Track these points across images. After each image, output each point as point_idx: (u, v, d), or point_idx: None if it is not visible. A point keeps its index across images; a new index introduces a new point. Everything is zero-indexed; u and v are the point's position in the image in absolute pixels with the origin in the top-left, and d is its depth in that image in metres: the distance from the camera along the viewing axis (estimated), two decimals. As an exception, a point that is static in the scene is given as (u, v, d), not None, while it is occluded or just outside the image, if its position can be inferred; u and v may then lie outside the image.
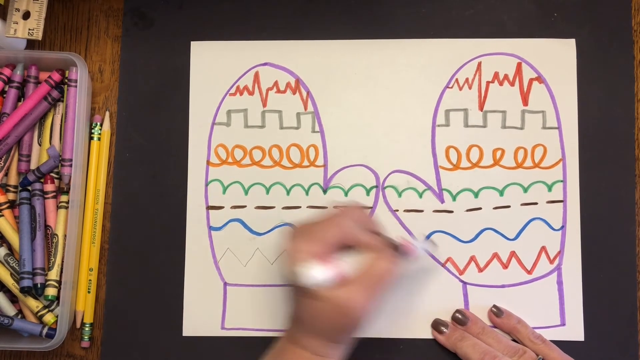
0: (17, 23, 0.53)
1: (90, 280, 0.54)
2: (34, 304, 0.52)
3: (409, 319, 0.53)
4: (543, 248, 0.54)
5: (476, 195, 0.54)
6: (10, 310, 0.53)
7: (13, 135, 0.53)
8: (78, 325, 0.54)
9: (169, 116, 0.56)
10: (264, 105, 0.56)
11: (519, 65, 0.55)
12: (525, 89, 0.55)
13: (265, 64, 0.56)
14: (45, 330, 0.52)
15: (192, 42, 0.57)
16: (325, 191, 0.55)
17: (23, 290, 0.51)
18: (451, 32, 0.56)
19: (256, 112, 0.56)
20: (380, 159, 0.55)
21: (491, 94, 0.55)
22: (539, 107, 0.55)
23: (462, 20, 0.56)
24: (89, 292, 0.54)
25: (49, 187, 0.53)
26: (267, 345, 0.53)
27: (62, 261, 0.52)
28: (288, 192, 0.55)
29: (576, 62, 0.55)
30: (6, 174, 0.54)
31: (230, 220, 0.55)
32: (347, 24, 0.56)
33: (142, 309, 0.54)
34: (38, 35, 0.53)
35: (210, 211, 0.55)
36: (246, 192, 0.55)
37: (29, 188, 0.53)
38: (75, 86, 0.54)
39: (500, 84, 0.55)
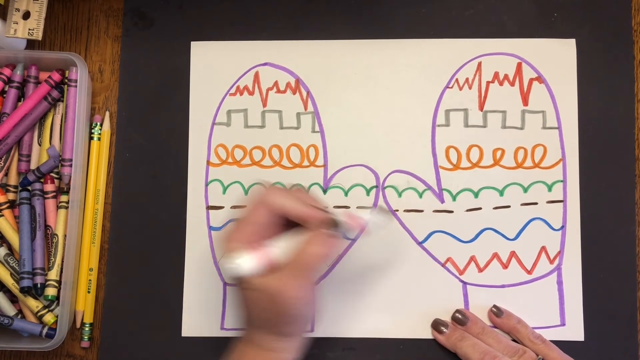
0: (17, 23, 0.53)
1: (90, 280, 0.54)
2: (34, 304, 0.52)
3: (409, 319, 0.53)
4: (543, 248, 0.54)
5: (476, 195, 0.54)
6: (10, 310, 0.53)
7: (13, 135, 0.53)
8: (78, 325, 0.54)
9: (169, 116, 0.56)
10: (264, 105, 0.56)
11: (519, 65, 0.55)
12: (525, 89, 0.55)
13: (265, 64, 0.56)
14: (45, 330, 0.52)
15: (192, 42, 0.57)
16: (325, 191, 0.55)
17: (23, 290, 0.51)
18: (451, 32, 0.56)
19: (256, 112, 0.56)
20: (380, 159, 0.55)
21: (491, 94, 0.55)
22: (539, 107, 0.55)
23: (462, 20, 0.56)
24: (89, 292, 0.54)
25: (49, 187, 0.54)
26: (267, 345, 0.53)
27: (62, 261, 0.52)
28: (288, 192, 0.55)
29: (576, 62, 0.55)
30: (6, 174, 0.54)
31: (230, 220, 0.55)
32: (347, 24, 0.56)
33: (142, 309, 0.54)
34: (38, 35, 0.53)
35: (210, 211, 0.55)
36: (246, 192, 0.55)
37: (29, 188, 0.53)
38: (75, 86, 0.54)
39: (501, 84, 0.55)
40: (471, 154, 0.55)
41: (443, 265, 0.54)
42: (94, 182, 0.55)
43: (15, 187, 0.55)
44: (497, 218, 0.54)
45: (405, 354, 0.53)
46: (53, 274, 0.52)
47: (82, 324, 0.54)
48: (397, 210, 0.55)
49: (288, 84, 0.56)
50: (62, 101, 0.55)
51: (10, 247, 0.53)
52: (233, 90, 0.56)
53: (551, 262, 0.54)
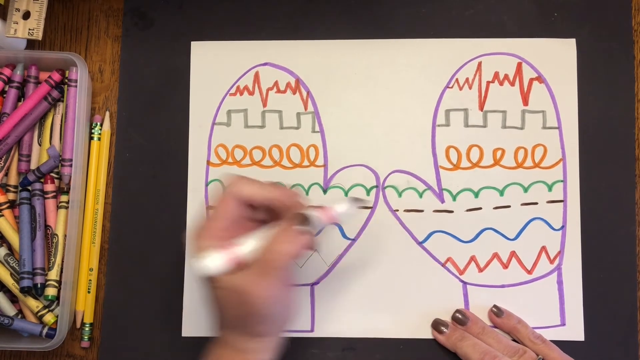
0: (17, 23, 0.53)
1: (90, 280, 0.54)
2: (34, 304, 0.52)
3: (409, 319, 0.53)
4: (543, 248, 0.54)
5: (476, 195, 0.54)
6: (10, 310, 0.53)
7: (13, 135, 0.53)
8: (78, 325, 0.54)
9: (169, 116, 0.56)
10: (264, 105, 0.56)
11: (519, 65, 0.55)
12: (525, 89, 0.55)
13: (265, 64, 0.56)
14: (45, 330, 0.52)
15: (192, 42, 0.57)
16: (325, 191, 0.55)
17: (23, 290, 0.51)
18: (451, 32, 0.56)
19: (256, 112, 0.56)
20: (380, 158, 0.55)
21: (491, 94, 0.55)
22: (539, 107, 0.55)
23: (462, 20, 0.56)
24: (89, 292, 0.54)
25: (49, 187, 0.54)
26: (267, 345, 0.53)
27: (62, 261, 0.52)
28: (288, 192, 0.55)
29: (576, 62, 0.55)
30: (6, 174, 0.54)
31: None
32: (347, 24, 0.56)
33: (142, 309, 0.54)
34: (38, 35, 0.53)
35: (211, 211, 0.55)
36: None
37: (29, 188, 0.53)
38: (75, 86, 0.54)
39: (501, 83, 0.55)
40: (471, 154, 0.55)
41: (443, 265, 0.54)
42: (94, 182, 0.55)
43: (15, 187, 0.55)
44: (497, 218, 0.54)
45: (405, 354, 0.53)
46: (53, 274, 0.52)
47: (82, 324, 0.54)
48: (397, 210, 0.55)
49: (288, 84, 0.56)
50: (62, 101, 0.55)
51: (10, 247, 0.53)
52: (233, 90, 0.56)
53: (551, 262, 0.54)
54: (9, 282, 0.52)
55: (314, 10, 0.57)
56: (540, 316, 0.53)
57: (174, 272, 0.54)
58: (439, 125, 0.55)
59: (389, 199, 0.55)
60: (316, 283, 0.54)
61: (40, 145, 0.55)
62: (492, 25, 0.56)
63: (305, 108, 0.56)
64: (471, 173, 0.55)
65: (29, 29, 0.53)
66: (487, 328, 0.52)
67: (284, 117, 0.56)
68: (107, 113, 0.56)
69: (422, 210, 0.55)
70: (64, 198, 0.54)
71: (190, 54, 0.56)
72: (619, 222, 0.54)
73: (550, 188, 0.54)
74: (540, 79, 0.55)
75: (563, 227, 0.54)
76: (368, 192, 0.55)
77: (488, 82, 0.55)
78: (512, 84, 0.55)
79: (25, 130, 0.54)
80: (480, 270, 0.54)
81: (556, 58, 0.55)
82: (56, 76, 0.54)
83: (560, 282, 0.53)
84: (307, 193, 0.55)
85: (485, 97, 0.55)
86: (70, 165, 0.53)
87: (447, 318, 0.53)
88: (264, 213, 0.47)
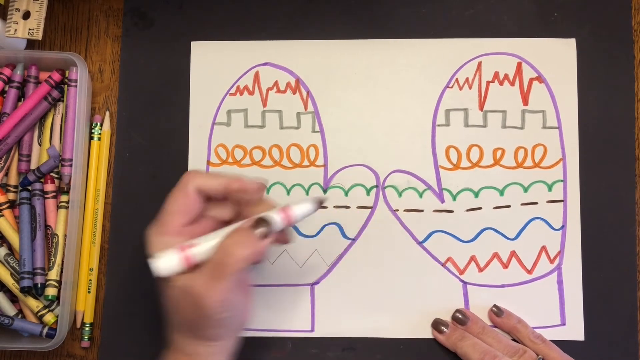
0: (17, 23, 0.53)
1: (90, 280, 0.54)
2: (34, 304, 0.52)
3: (409, 319, 0.53)
4: (543, 248, 0.54)
5: (476, 195, 0.54)
6: (11, 310, 0.53)
7: (13, 135, 0.53)
8: (78, 325, 0.54)
9: (169, 116, 0.56)
10: (264, 105, 0.56)
11: (519, 65, 0.56)
12: (525, 89, 0.55)
13: (265, 64, 0.56)
14: (45, 330, 0.52)
15: (192, 42, 0.57)
16: (325, 191, 0.55)
17: (23, 290, 0.51)
18: (451, 32, 0.56)
19: (256, 112, 0.56)
20: (380, 158, 0.55)
21: (491, 94, 0.55)
22: (539, 107, 0.55)
23: (462, 20, 0.56)
24: (89, 292, 0.54)
25: (49, 187, 0.54)
26: (267, 345, 0.54)
27: (62, 261, 0.52)
28: (288, 192, 0.55)
29: (576, 62, 0.55)
30: (6, 174, 0.54)
31: None
32: (347, 24, 0.56)
33: (142, 309, 0.54)
34: (38, 35, 0.53)
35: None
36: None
37: (29, 188, 0.53)
38: (75, 86, 0.54)
39: (501, 83, 0.55)
40: (471, 154, 0.55)
41: (443, 265, 0.54)
42: (94, 182, 0.55)
43: (15, 187, 0.55)
44: (497, 218, 0.54)
45: (405, 354, 0.53)
46: (53, 274, 0.52)
47: (82, 324, 0.54)
48: (397, 210, 0.55)
49: (288, 84, 0.56)
50: (62, 101, 0.55)
51: (10, 247, 0.53)
52: (233, 90, 0.56)
53: (551, 261, 0.54)
54: (9, 282, 0.52)
55: (314, 10, 0.57)
56: (540, 316, 0.53)
57: (174, 272, 0.54)
58: (439, 125, 0.55)
59: (389, 199, 0.55)
60: (316, 283, 0.54)
61: (40, 145, 0.55)
62: (492, 25, 0.56)
63: (305, 108, 0.56)
64: (471, 173, 0.55)
65: (29, 29, 0.53)
66: (487, 328, 0.52)
67: (284, 117, 0.56)
68: (107, 113, 0.56)
69: (422, 210, 0.55)
70: (64, 198, 0.54)
71: (190, 54, 0.56)
72: (619, 222, 0.54)
73: (550, 188, 0.54)
74: (540, 78, 0.55)
75: (563, 227, 0.54)
76: (368, 192, 0.55)
77: (488, 82, 0.55)
78: (512, 83, 0.55)
79: (25, 130, 0.54)
80: (480, 270, 0.54)
81: (556, 58, 0.55)
82: (56, 76, 0.54)
83: (560, 282, 0.53)
84: (307, 193, 0.55)
85: (485, 97, 0.55)
86: (70, 165, 0.53)
87: (447, 318, 0.53)
88: (228, 211, 0.46)
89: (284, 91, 0.56)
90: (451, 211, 0.54)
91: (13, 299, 0.54)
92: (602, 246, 0.54)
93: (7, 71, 0.54)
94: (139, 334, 0.54)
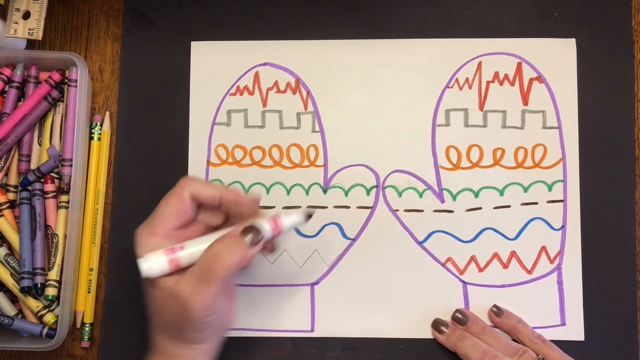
0: (17, 23, 0.53)
1: (90, 280, 0.54)
2: (34, 304, 0.52)
3: (409, 319, 0.53)
4: (543, 248, 0.54)
5: (476, 195, 0.54)
6: (10, 310, 0.53)
7: (13, 135, 0.53)
8: (78, 325, 0.54)
9: (169, 116, 0.56)
10: (264, 105, 0.56)
11: (519, 65, 0.55)
12: (525, 89, 0.55)
13: (265, 64, 0.56)
14: (45, 330, 0.52)
15: (192, 42, 0.57)
16: (325, 191, 0.55)
17: (23, 290, 0.51)
18: (451, 32, 0.56)
19: (256, 112, 0.56)
20: (380, 158, 0.55)
21: (491, 94, 0.55)
22: (539, 107, 0.55)
23: (462, 20, 0.56)
24: (89, 292, 0.54)
25: (49, 187, 0.54)
26: (267, 345, 0.54)
27: (62, 261, 0.52)
28: (288, 192, 0.55)
29: (576, 62, 0.55)
30: (6, 174, 0.54)
31: None
32: (347, 24, 0.56)
33: (142, 309, 0.54)
34: (38, 35, 0.53)
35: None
36: (246, 192, 0.55)
37: (29, 188, 0.53)
38: (75, 86, 0.54)
39: (501, 83, 0.55)
40: (471, 154, 0.55)
41: (443, 265, 0.54)
42: (94, 182, 0.55)
43: (15, 187, 0.55)
44: (497, 218, 0.54)
45: (405, 354, 0.53)
46: (53, 274, 0.52)
47: (82, 324, 0.54)
48: (397, 210, 0.55)
49: (288, 84, 0.56)
50: (62, 101, 0.55)
51: (10, 247, 0.53)
52: (233, 90, 0.56)
53: (551, 262, 0.54)
54: (9, 282, 0.52)
55: (314, 10, 0.57)
56: (540, 316, 0.53)
57: (174, 272, 0.54)
58: (439, 125, 0.55)
59: (389, 199, 0.55)
60: (316, 283, 0.54)
61: (40, 145, 0.55)
62: (492, 25, 0.56)
63: (305, 108, 0.56)
64: (471, 173, 0.55)
65: (29, 29, 0.53)
66: (487, 328, 0.52)
67: (284, 117, 0.56)
68: (107, 113, 0.56)
69: (422, 210, 0.55)
70: (64, 198, 0.54)
71: (190, 54, 0.56)
72: (619, 222, 0.54)
73: (550, 188, 0.54)
74: (540, 78, 0.55)
75: (563, 227, 0.54)
76: (368, 192, 0.55)
77: (488, 82, 0.55)
78: (512, 84, 0.55)
79: (25, 130, 0.54)
80: (480, 270, 0.54)
81: (556, 58, 0.55)
82: (56, 76, 0.54)
83: (560, 282, 0.53)
84: (307, 193, 0.55)
85: (485, 97, 0.55)
86: (70, 165, 0.53)
87: (447, 318, 0.53)
88: (218, 218, 0.47)
89: (284, 91, 0.56)
90: (451, 211, 0.54)
91: (13, 299, 0.54)
92: (602, 246, 0.54)
93: (7, 71, 0.54)
94: (139, 334, 0.54)
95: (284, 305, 0.54)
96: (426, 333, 0.53)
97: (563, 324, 0.53)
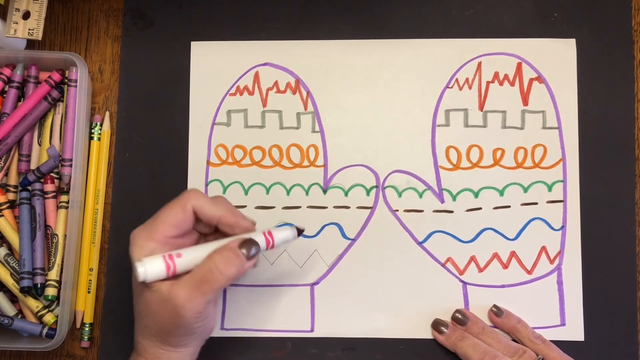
0: (17, 23, 0.53)
1: (90, 280, 0.54)
2: (34, 304, 0.52)
3: (409, 319, 0.53)
4: (543, 248, 0.54)
5: (476, 195, 0.54)
6: (10, 310, 0.53)
7: (13, 135, 0.53)
8: (78, 325, 0.54)
9: (169, 116, 0.56)
10: (264, 105, 0.56)
11: (519, 65, 0.55)
12: (525, 89, 0.55)
13: (265, 64, 0.56)
14: (45, 330, 0.52)
15: (192, 42, 0.57)
16: (325, 191, 0.55)
17: (23, 290, 0.51)
18: (451, 32, 0.56)
19: (256, 112, 0.56)
20: (380, 159, 0.55)
21: (491, 94, 0.55)
22: (539, 107, 0.55)
23: (462, 20, 0.56)
24: (89, 292, 0.54)
25: (49, 187, 0.53)
26: (267, 345, 0.54)
27: (62, 261, 0.52)
28: (288, 192, 0.55)
29: (576, 62, 0.55)
30: (6, 174, 0.54)
31: None
32: (347, 24, 0.56)
33: (142, 309, 0.54)
34: (38, 35, 0.53)
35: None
36: (246, 192, 0.55)
37: (29, 188, 0.53)
38: (75, 86, 0.54)
39: (500, 84, 0.55)
40: (471, 154, 0.55)
41: (443, 265, 0.54)
42: (94, 182, 0.55)
43: (15, 187, 0.55)
44: (497, 218, 0.54)
45: (405, 354, 0.53)
46: (53, 274, 0.52)
47: (82, 324, 0.54)
48: (397, 210, 0.55)
49: (288, 84, 0.56)
50: (62, 101, 0.55)
51: (10, 247, 0.53)
52: (233, 90, 0.56)
53: (551, 262, 0.54)
54: (9, 282, 0.52)
55: (314, 10, 0.57)
56: (540, 316, 0.53)
57: (174, 272, 0.54)
58: (439, 125, 0.55)
59: (389, 199, 0.55)
60: (316, 283, 0.54)
61: (40, 145, 0.55)
62: (492, 25, 0.56)
63: (305, 108, 0.56)
64: (471, 173, 0.55)
65: (29, 29, 0.53)
66: (487, 328, 0.52)
67: (284, 117, 0.56)
68: (107, 113, 0.56)
69: (422, 210, 0.55)
70: (64, 198, 0.54)
71: (190, 54, 0.56)
72: (619, 222, 0.54)
73: (550, 188, 0.54)
74: (540, 79, 0.55)
75: (563, 227, 0.54)
76: (368, 192, 0.55)
77: (488, 82, 0.55)
78: (512, 84, 0.55)
79: (25, 130, 0.54)
80: (480, 270, 0.54)
81: (556, 58, 0.55)
82: (56, 76, 0.54)
83: (560, 282, 0.53)
84: (307, 193, 0.55)
85: (485, 97, 0.55)
86: (70, 165, 0.53)
87: (447, 318, 0.53)
88: (209, 228, 0.48)
89: (284, 91, 0.56)
90: (451, 211, 0.54)
91: (13, 299, 0.54)
92: (602, 246, 0.54)
93: (7, 71, 0.54)
94: (138, 334, 0.54)
95: (284, 305, 0.54)
96: (426, 333, 0.53)
97: (563, 324, 0.53)
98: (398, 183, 0.55)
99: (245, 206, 0.55)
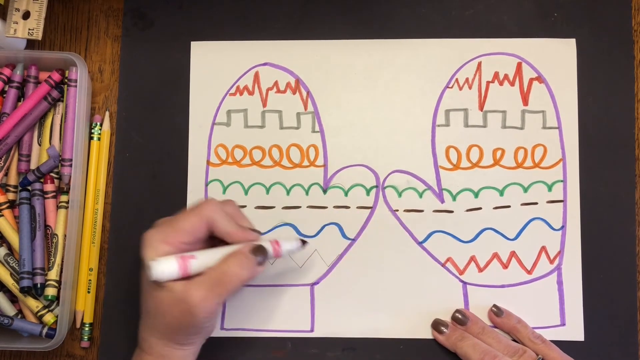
0: (17, 23, 0.53)
1: (90, 280, 0.54)
2: (33, 304, 0.52)
3: (409, 319, 0.53)
4: (543, 248, 0.54)
5: (476, 195, 0.54)
6: (10, 310, 0.53)
7: (13, 135, 0.53)
8: (78, 325, 0.54)
9: (169, 116, 0.56)
10: (264, 105, 0.56)
11: (519, 65, 0.55)
12: (525, 89, 0.55)
13: (265, 64, 0.56)
14: (45, 330, 0.52)
15: (192, 42, 0.57)
16: (325, 191, 0.55)
17: (23, 290, 0.51)
18: (451, 32, 0.56)
19: (256, 112, 0.56)
20: (380, 159, 0.55)
21: (491, 94, 0.55)
22: (539, 107, 0.55)
23: (462, 20, 0.56)
24: (88, 292, 0.54)
25: (49, 187, 0.53)
26: (267, 345, 0.54)
27: (62, 261, 0.52)
28: (288, 192, 0.55)
29: (576, 62, 0.55)
30: (6, 174, 0.54)
31: None
32: (347, 24, 0.56)
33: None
34: (38, 35, 0.53)
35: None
36: (246, 192, 0.55)
37: (29, 188, 0.53)
38: (75, 86, 0.54)
39: (500, 83, 0.55)
40: (471, 154, 0.55)
41: (443, 265, 0.54)
42: (94, 182, 0.55)
43: (15, 187, 0.54)
44: (497, 218, 0.54)
45: (405, 354, 0.53)
46: (53, 274, 0.52)
47: (82, 324, 0.54)
48: (397, 210, 0.55)
49: (288, 84, 0.56)
50: (62, 101, 0.55)
51: (10, 247, 0.53)
52: (233, 90, 0.56)
53: (551, 262, 0.54)
54: (9, 282, 0.52)
55: (314, 10, 0.57)
56: (540, 316, 0.53)
57: (173, 272, 0.54)
58: (438, 125, 0.55)
59: (389, 199, 0.55)
60: (316, 283, 0.54)
61: (40, 145, 0.55)
62: (492, 25, 0.56)
63: (305, 108, 0.56)
64: (471, 173, 0.55)
65: (29, 29, 0.53)
66: (487, 328, 0.52)
67: (283, 117, 0.56)
68: (107, 113, 0.56)
69: (422, 210, 0.55)
70: (63, 198, 0.54)
71: (190, 54, 0.56)
72: (619, 222, 0.54)
73: (550, 188, 0.54)
74: (540, 79, 0.55)
75: (563, 227, 0.54)
76: (368, 192, 0.55)
77: (488, 82, 0.55)
78: (512, 84, 0.55)
79: (25, 130, 0.54)
80: (480, 270, 0.54)
81: (556, 58, 0.55)
82: (56, 76, 0.54)
83: (560, 282, 0.53)
84: (307, 193, 0.55)
85: (485, 97, 0.55)
86: (70, 165, 0.53)
87: (447, 318, 0.53)
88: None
89: (284, 91, 0.56)
90: (451, 211, 0.54)
91: (13, 299, 0.54)
92: (602, 246, 0.54)
93: (7, 71, 0.54)
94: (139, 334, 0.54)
95: (284, 305, 0.54)
96: (426, 333, 0.53)
97: (563, 324, 0.53)
98: (398, 183, 0.55)
99: (245, 206, 0.55)
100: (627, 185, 0.54)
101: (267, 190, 0.55)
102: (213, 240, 0.48)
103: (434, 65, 0.56)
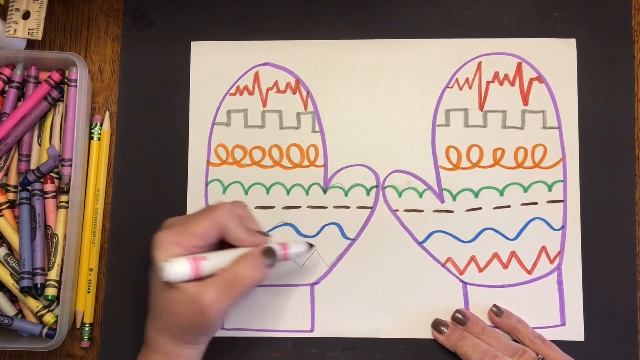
0: (17, 23, 0.53)
1: (90, 280, 0.54)
2: (33, 304, 0.52)
3: (409, 319, 0.53)
4: (543, 248, 0.54)
5: (476, 195, 0.54)
6: (10, 310, 0.53)
7: (13, 135, 0.53)
8: (78, 325, 0.54)
9: (169, 116, 0.56)
10: (264, 105, 0.56)
11: (519, 65, 0.55)
12: (525, 89, 0.55)
13: (265, 64, 0.56)
14: (45, 330, 0.52)
15: (192, 42, 0.57)
16: (325, 191, 0.55)
17: (23, 290, 0.51)
18: (451, 32, 0.56)
19: (256, 112, 0.56)
20: (380, 159, 0.55)
21: (491, 94, 0.55)
22: (539, 107, 0.55)
23: (462, 20, 0.56)
24: (88, 292, 0.54)
25: (49, 187, 0.53)
26: (267, 345, 0.54)
27: (62, 261, 0.52)
28: (288, 192, 0.55)
29: (576, 62, 0.55)
30: (6, 174, 0.54)
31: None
32: (347, 24, 0.56)
33: (142, 309, 0.54)
34: (38, 35, 0.53)
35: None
36: (246, 192, 0.55)
37: (29, 188, 0.53)
38: (75, 86, 0.54)
39: (501, 83, 0.55)
40: (471, 154, 0.55)
41: (443, 265, 0.54)
42: (94, 182, 0.55)
43: (15, 187, 0.54)
44: (497, 218, 0.54)
45: (405, 354, 0.53)
46: (53, 274, 0.52)
47: (82, 324, 0.54)
48: (397, 210, 0.55)
49: (288, 84, 0.56)
50: (62, 101, 0.55)
51: (10, 247, 0.53)
52: (233, 90, 0.56)
53: (551, 262, 0.54)
54: (9, 282, 0.52)
55: (314, 10, 0.57)
56: (540, 316, 0.53)
57: (174, 272, 0.54)
58: (439, 125, 0.55)
59: (389, 199, 0.55)
60: (316, 283, 0.54)
61: (40, 145, 0.55)
62: (492, 25, 0.56)
63: (305, 108, 0.56)
64: (471, 173, 0.55)
65: (29, 29, 0.53)
66: (487, 328, 0.52)
67: (283, 117, 0.56)
68: (107, 113, 0.56)
69: (422, 210, 0.55)
70: (63, 198, 0.54)
71: (190, 54, 0.56)
72: (619, 222, 0.54)
73: (550, 188, 0.54)
74: (540, 79, 0.55)
75: (563, 227, 0.54)
76: (368, 192, 0.55)
77: (488, 82, 0.55)
78: (512, 84, 0.55)
79: (25, 130, 0.54)
80: (480, 270, 0.54)
81: (556, 58, 0.55)
82: (56, 76, 0.54)
83: (560, 282, 0.53)
84: (307, 193, 0.55)
85: (485, 97, 0.55)
86: (70, 165, 0.53)
87: (447, 318, 0.53)
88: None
89: (284, 91, 0.56)
90: (451, 211, 0.54)
91: (13, 299, 0.54)
92: (602, 246, 0.54)
93: (7, 71, 0.54)
94: (139, 334, 0.54)
95: (284, 305, 0.54)
96: (426, 333, 0.53)
97: (563, 324, 0.53)
98: (398, 183, 0.55)
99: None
100: (627, 185, 0.54)
101: (267, 190, 0.55)
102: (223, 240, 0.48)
103: (434, 65, 0.56)
